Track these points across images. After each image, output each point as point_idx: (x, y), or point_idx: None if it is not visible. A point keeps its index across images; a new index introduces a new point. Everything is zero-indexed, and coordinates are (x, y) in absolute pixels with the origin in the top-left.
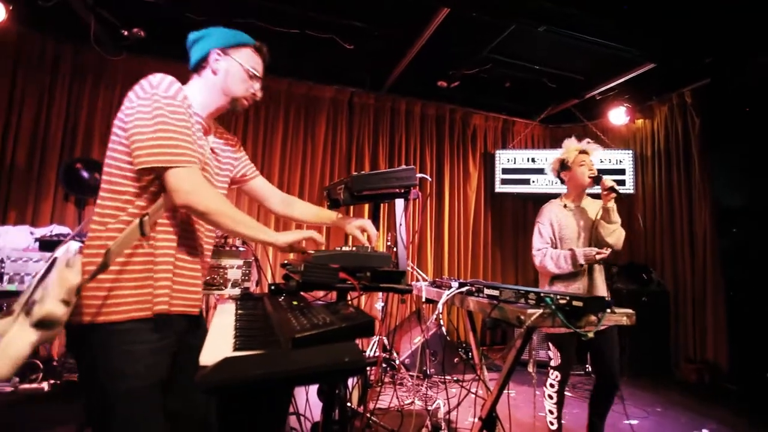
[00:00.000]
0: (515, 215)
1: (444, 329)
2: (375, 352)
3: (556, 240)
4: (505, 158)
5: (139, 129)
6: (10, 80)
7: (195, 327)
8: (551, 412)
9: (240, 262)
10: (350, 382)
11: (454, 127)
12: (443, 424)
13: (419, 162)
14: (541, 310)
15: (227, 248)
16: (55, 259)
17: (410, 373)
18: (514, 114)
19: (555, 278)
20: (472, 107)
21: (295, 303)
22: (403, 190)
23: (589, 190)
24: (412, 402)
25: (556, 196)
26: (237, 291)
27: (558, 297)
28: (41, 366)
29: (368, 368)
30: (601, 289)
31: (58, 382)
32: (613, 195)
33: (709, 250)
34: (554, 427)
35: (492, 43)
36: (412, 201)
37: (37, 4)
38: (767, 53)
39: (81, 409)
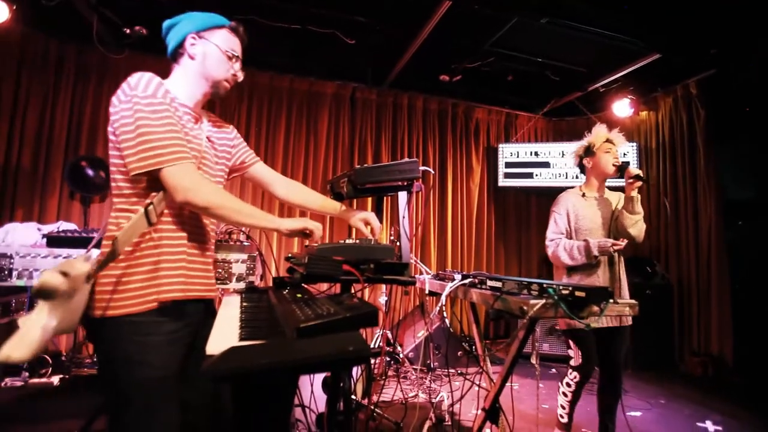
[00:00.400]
0: (518, 209)
1: (447, 322)
2: (378, 345)
3: (571, 230)
4: (508, 152)
5: (125, 136)
6: (14, 80)
7: (211, 316)
8: (563, 407)
9: (244, 256)
10: (354, 374)
11: (456, 121)
12: (447, 416)
13: (422, 156)
14: (543, 301)
15: (231, 243)
16: None
17: (414, 367)
18: (517, 107)
19: (572, 270)
20: (474, 101)
21: (299, 295)
22: (406, 183)
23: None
24: (416, 395)
25: (560, 189)
26: (242, 285)
27: (560, 287)
28: (50, 361)
29: (372, 361)
30: (623, 282)
31: (67, 376)
32: (639, 184)
33: (714, 243)
34: (564, 420)
35: (494, 36)
36: (415, 194)
37: (40, 4)
38: None
39: (90, 403)
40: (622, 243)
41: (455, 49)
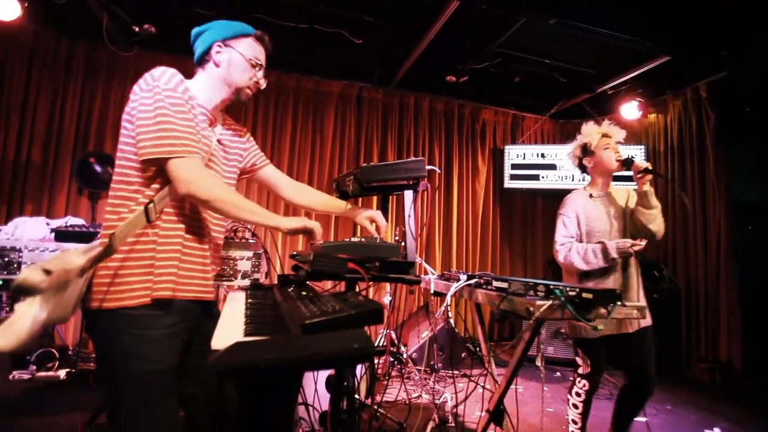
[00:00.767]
0: (524, 211)
1: (452, 322)
2: (383, 344)
3: (582, 234)
4: (514, 153)
5: (141, 121)
6: (25, 77)
7: (209, 315)
8: (575, 422)
9: (250, 253)
10: (358, 374)
11: (463, 122)
12: (450, 417)
13: (428, 157)
14: (550, 302)
15: (237, 240)
16: None
17: (418, 367)
18: (524, 109)
19: (584, 276)
20: (481, 102)
21: (304, 293)
22: (412, 182)
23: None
24: (420, 395)
25: (566, 192)
26: (247, 282)
27: (568, 289)
28: (57, 355)
29: (376, 361)
30: (636, 287)
31: (73, 370)
32: (649, 177)
33: (723, 247)
34: None
35: (502, 37)
36: (421, 193)
37: (52, 2)
38: None
39: (96, 397)
40: (643, 243)
41: (462, 49)
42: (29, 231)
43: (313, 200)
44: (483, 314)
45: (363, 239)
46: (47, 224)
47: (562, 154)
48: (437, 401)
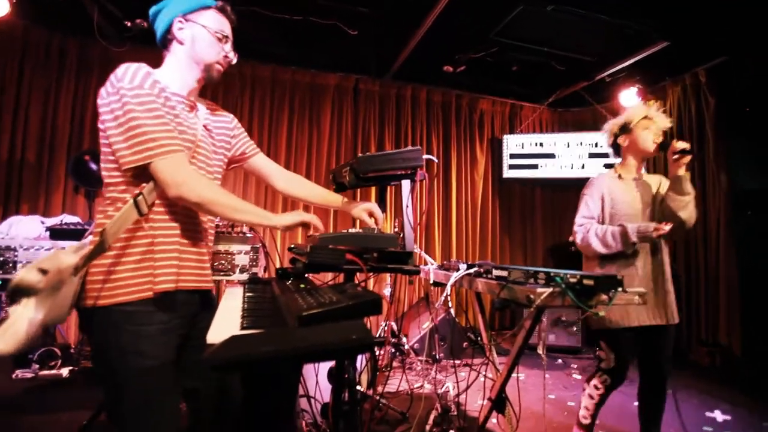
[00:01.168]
0: (523, 201)
1: (453, 312)
2: (383, 335)
3: (605, 216)
4: (512, 143)
5: (113, 130)
6: (17, 74)
7: (208, 308)
8: (587, 408)
9: (248, 247)
10: (359, 365)
11: (460, 112)
12: (453, 406)
13: (426, 148)
14: (550, 289)
15: (234, 234)
16: None
17: (419, 358)
18: (522, 98)
19: (605, 260)
20: (478, 92)
21: (302, 285)
22: (409, 172)
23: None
24: (422, 385)
25: (565, 181)
26: (245, 276)
27: (568, 275)
28: (59, 353)
29: (378, 352)
30: (668, 275)
31: (76, 368)
32: (687, 159)
33: (722, 233)
34: (587, 421)
35: (498, 25)
36: (419, 183)
37: None
38: None
39: (99, 395)
40: (667, 227)
41: (459, 39)
42: (24, 230)
43: (309, 194)
44: (483, 303)
45: (361, 230)
46: (42, 223)
47: (560, 143)
48: (439, 391)
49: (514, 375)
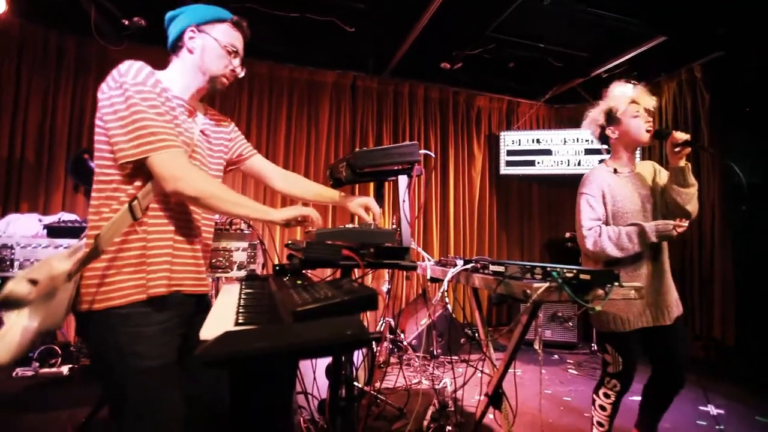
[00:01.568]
0: (520, 197)
1: (450, 308)
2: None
3: (608, 215)
4: (509, 140)
5: (113, 123)
6: (15, 74)
7: (204, 309)
8: (600, 425)
9: (245, 244)
10: (357, 361)
11: (458, 109)
12: (450, 402)
13: (424, 145)
14: (547, 284)
15: (232, 231)
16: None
17: (417, 354)
18: (519, 95)
19: (615, 265)
20: (475, 89)
21: (299, 282)
22: (406, 167)
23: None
24: (420, 381)
25: (562, 177)
26: (242, 273)
27: (564, 270)
28: (60, 351)
29: (376, 348)
30: (669, 278)
31: (76, 366)
32: (688, 150)
33: (717, 227)
34: None
35: (495, 21)
36: (416, 178)
37: None
38: None
39: (99, 391)
40: (685, 224)
41: (456, 36)
42: (21, 228)
43: (305, 190)
44: (480, 299)
45: (357, 226)
46: (40, 220)
47: (557, 139)
48: (437, 386)
49: (510, 370)
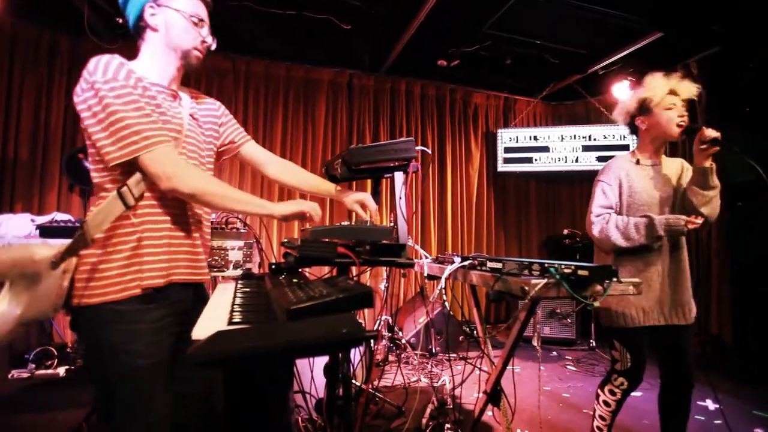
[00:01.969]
0: (518, 194)
1: (447, 305)
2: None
3: (622, 205)
4: (507, 137)
5: (94, 127)
6: (7, 72)
7: (200, 302)
8: (602, 418)
9: (241, 243)
10: (355, 360)
11: (455, 106)
12: (449, 399)
13: (421, 142)
14: (545, 281)
15: (228, 230)
16: None
17: (415, 352)
18: (516, 92)
19: (623, 255)
20: (472, 86)
21: (295, 280)
22: (402, 163)
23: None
24: (418, 379)
25: (559, 174)
26: (238, 272)
27: (563, 266)
28: (56, 353)
29: (374, 346)
30: (687, 277)
31: (72, 368)
32: (715, 149)
33: (714, 224)
34: None
35: (492, 18)
36: (412, 174)
37: None
38: None
39: (94, 393)
40: (699, 220)
41: (453, 33)
42: (14, 228)
43: (302, 181)
44: (479, 297)
45: (353, 223)
46: (32, 220)
47: (554, 136)
48: (435, 384)
49: (509, 368)
